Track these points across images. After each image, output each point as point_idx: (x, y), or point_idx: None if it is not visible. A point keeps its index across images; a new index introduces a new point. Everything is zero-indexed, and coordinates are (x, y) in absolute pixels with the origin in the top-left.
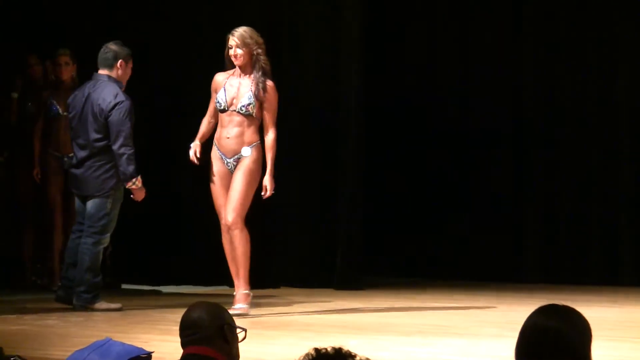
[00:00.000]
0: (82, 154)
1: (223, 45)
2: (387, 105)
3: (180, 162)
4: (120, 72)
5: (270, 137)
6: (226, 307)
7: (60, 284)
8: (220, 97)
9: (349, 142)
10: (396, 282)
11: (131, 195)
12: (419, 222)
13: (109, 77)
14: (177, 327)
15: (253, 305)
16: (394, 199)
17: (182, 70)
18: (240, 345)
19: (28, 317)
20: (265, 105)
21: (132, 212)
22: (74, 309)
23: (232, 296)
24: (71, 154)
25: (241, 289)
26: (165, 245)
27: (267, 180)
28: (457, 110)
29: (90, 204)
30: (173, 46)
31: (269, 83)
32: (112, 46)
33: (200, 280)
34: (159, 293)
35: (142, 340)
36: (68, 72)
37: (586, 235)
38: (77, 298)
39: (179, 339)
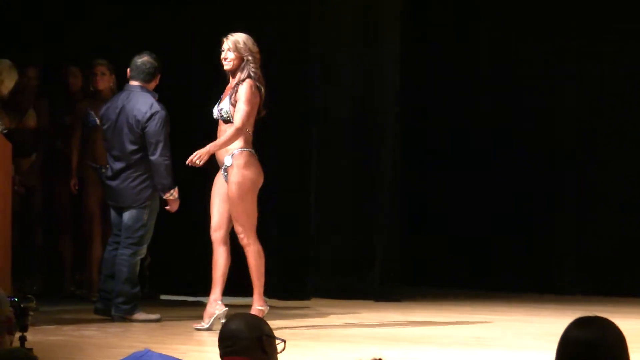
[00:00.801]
0: (117, 165)
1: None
2: (423, 115)
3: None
4: (154, 84)
5: (232, 126)
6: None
7: (98, 295)
8: (214, 109)
9: (385, 152)
10: (433, 293)
11: (166, 207)
12: (457, 234)
13: (142, 87)
14: (215, 339)
15: (286, 317)
16: (432, 210)
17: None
18: (279, 356)
19: (67, 328)
20: (236, 104)
21: (171, 222)
22: (113, 319)
23: (248, 307)
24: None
25: (256, 305)
26: (204, 256)
27: (204, 149)
28: (498, 118)
29: (126, 215)
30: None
31: (245, 81)
32: (151, 60)
33: (238, 292)
34: (197, 304)
35: (181, 351)
36: (105, 82)
37: (623, 247)
38: (116, 309)
39: (216, 350)
